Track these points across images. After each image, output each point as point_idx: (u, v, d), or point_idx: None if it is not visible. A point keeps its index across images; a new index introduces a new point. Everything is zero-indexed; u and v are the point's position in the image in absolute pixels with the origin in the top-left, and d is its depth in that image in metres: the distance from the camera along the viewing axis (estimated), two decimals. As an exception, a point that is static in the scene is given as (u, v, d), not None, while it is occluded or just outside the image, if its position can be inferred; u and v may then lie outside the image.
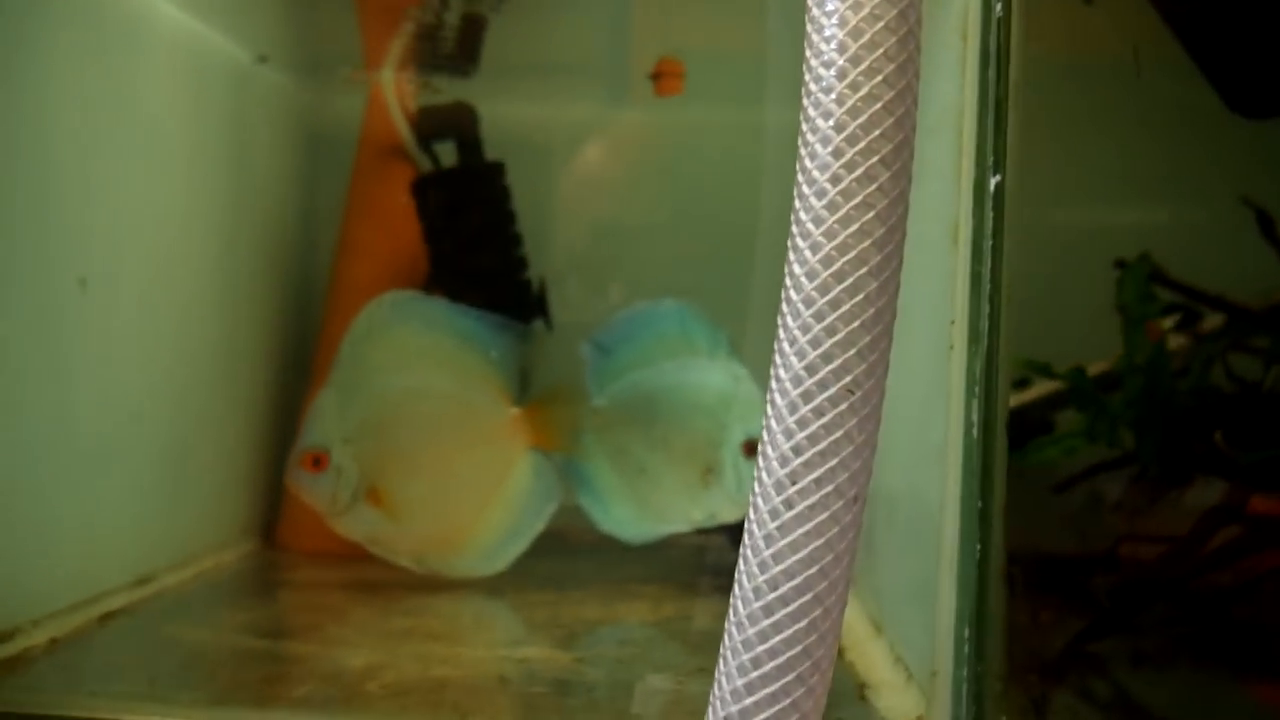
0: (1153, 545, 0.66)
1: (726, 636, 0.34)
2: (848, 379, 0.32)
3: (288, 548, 0.90)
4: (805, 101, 0.33)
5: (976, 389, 0.44)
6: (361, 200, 0.95)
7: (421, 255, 0.92)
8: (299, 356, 0.97)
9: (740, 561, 0.34)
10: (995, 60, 0.44)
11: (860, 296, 0.32)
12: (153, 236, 0.74)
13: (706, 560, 0.89)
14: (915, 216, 0.33)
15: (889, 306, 0.33)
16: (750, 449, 0.79)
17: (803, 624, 0.32)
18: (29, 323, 0.60)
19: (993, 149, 0.44)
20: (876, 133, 0.32)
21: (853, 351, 0.32)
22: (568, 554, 0.84)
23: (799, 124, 0.33)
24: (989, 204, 0.44)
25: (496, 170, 0.89)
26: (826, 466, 0.32)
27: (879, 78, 0.32)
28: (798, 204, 0.33)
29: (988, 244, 0.44)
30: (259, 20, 0.94)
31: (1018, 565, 0.46)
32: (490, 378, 0.78)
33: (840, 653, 0.61)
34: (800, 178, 0.33)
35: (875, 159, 0.32)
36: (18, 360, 0.59)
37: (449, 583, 0.76)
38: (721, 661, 0.34)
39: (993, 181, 0.44)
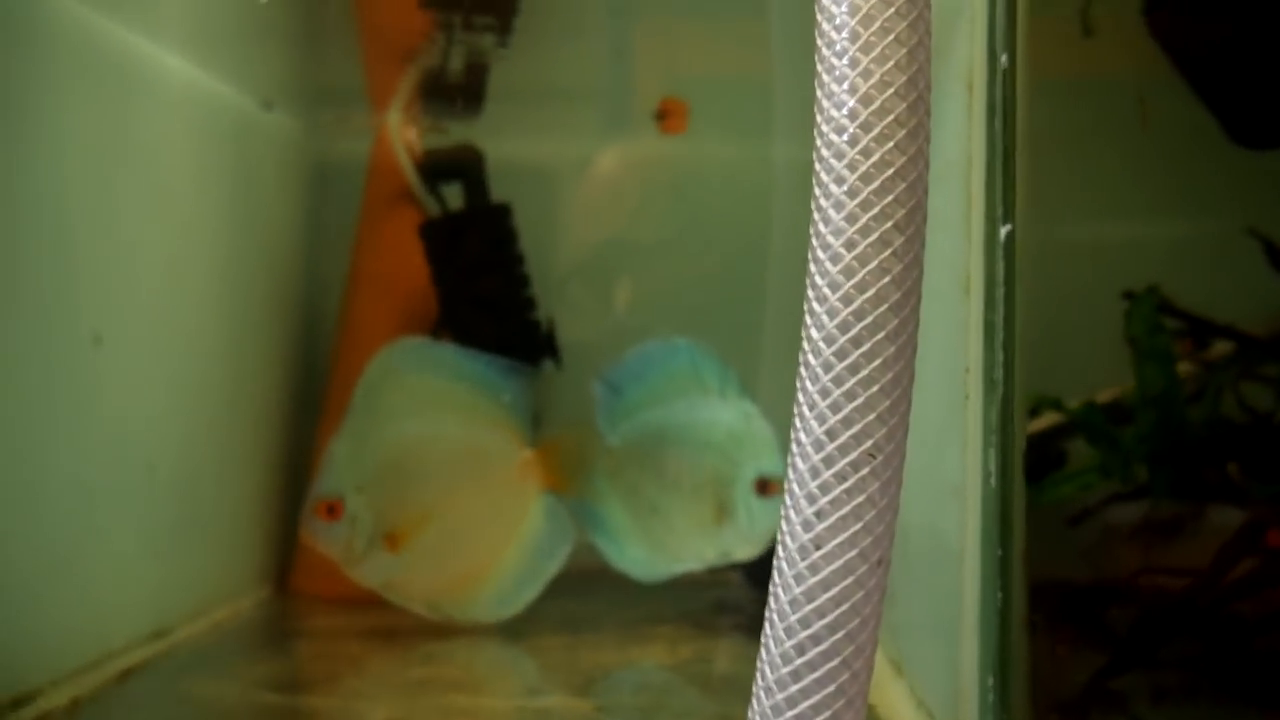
0: (1170, 577, 0.66)
1: (755, 701, 0.34)
2: (869, 443, 0.32)
3: (302, 594, 0.90)
4: (818, 167, 0.33)
5: (993, 437, 0.44)
6: (369, 243, 0.96)
7: (430, 297, 0.92)
8: (308, 401, 0.97)
9: (766, 626, 0.34)
10: (1001, 110, 0.44)
11: (878, 361, 0.32)
12: (164, 288, 0.75)
13: (720, 598, 0.90)
14: (926, 268, 0.34)
15: (907, 370, 0.33)
16: (763, 487, 0.79)
17: (830, 689, 0.32)
18: (44, 380, 0.61)
19: (1001, 199, 0.44)
20: (890, 198, 0.33)
21: (873, 416, 0.32)
22: (580, 594, 0.84)
23: (812, 189, 0.34)
24: (1000, 253, 0.44)
25: (503, 212, 0.89)
26: (850, 531, 0.32)
27: (890, 144, 0.33)
28: (812, 268, 0.33)
29: (1000, 292, 0.44)
30: (264, 67, 0.95)
31: (1038, 609, 0.46)
32: (502, 421, 0.78)
33: (860, 694, 0.61)
34: (814, 242, 0.33)
35: (889, 224, 0.32)
36: (33, 419, 0.60)
37: (464, 627, 0.76)
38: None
39: (1003, 231, 0.44)
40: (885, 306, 0.32)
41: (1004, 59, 0.44)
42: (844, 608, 0.32)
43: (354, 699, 0.60)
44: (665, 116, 0.89)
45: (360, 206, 0.96)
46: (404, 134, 0.93)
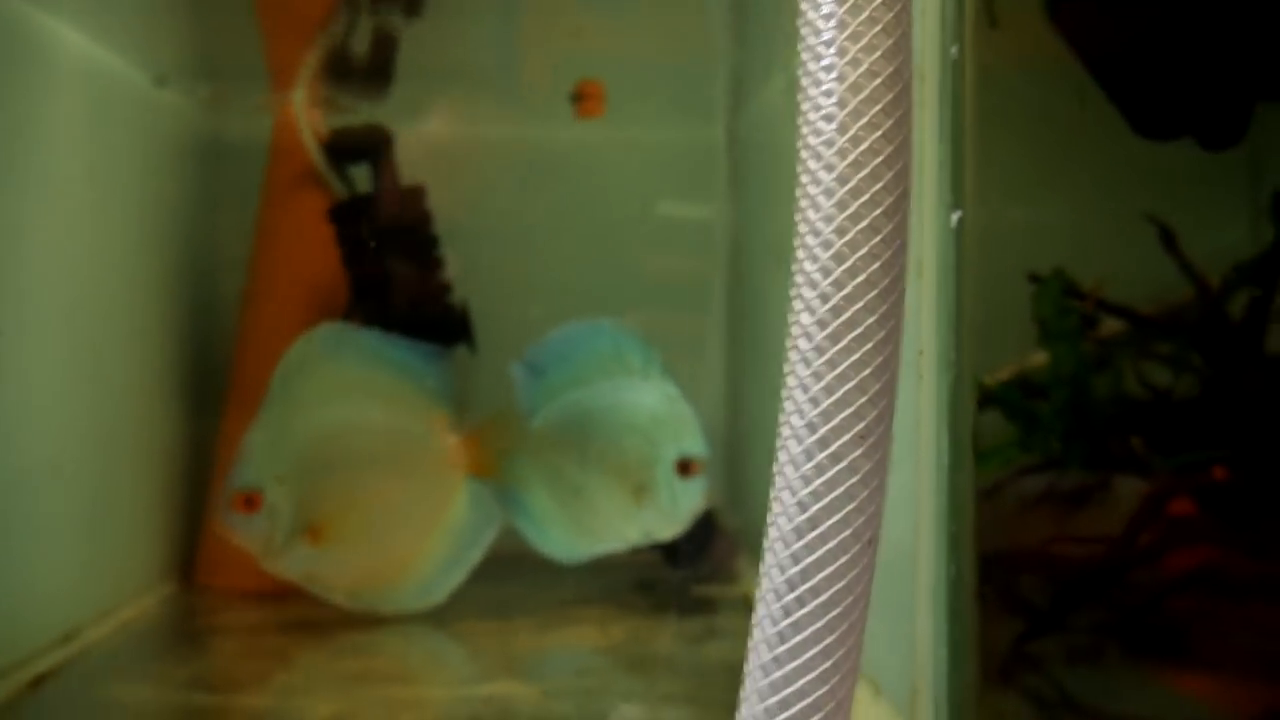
0: (1079, 545, 0.70)
1: (750, 680, 0.34)
2: (861, 425, 0.33)
3: (209, 588, 0.87)
4: (804, 154, 0.34)
5: (946, 417, 0.45)
6: (272, 227, 0.93)
7: (338, 282, 0.90)
8: (211, 390, 0.94)
9: (760, 606, 0.35)
10: (952, 99, 0.46)
11: (870, 345, 0.33)
12: (60, 277, 0.71)
13: (640, 578, 0.90)
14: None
15: (895, 353, 0.34)
16: (684, 467, 0.80)
17: (828, 664, 0.33)
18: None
19: (952, 185, 0.46)
20: (879, 185, 0.33)
21: (865, 398, 0.33)
22: (500, 579, 0.83)
23: (797, 175, 0.34)
24: (952, 238, 0.45)
25: (418, 194, 0.87)
26: (844, 511, 0.33)
27: (879, 132, 0.33)
28: (800, 254, 0.33)
29: (952, 277, 0.45)
30: (158, 41, 0.91)
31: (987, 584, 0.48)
32: (426, 407, 0.77)
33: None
34: (802, 228, 0.34)
35: (879, 210, 0.33)
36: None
37: (388, 618, 0.75)
38: (746, 704, 0.34)
39: (954, 216, 0.46)
40: (875, 291, 0.33)
41: (954, 50, 0.46)
42: (839, 585, 0.33)
43: (290, 696, 0.58)
44: (582, 99, 0.88)
45: (262, 189, 0.93)
46: (308, 113, 0.90)
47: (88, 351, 0.73)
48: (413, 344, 0.77)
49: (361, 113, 0.92)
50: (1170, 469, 0.67)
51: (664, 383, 0.82)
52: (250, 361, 0.91)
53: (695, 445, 0.80)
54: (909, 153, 0.34)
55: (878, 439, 0.33)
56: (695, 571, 0.92)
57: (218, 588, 0.86)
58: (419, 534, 0.76)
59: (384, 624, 0.74)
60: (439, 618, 0.75)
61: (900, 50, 0.34)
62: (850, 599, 0.34)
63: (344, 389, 0.74)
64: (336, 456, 0.74)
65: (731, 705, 0.55)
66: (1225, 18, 0.69)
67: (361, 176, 0.91)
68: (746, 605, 0.79)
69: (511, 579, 0.83)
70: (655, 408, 0.82)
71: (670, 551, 0.93)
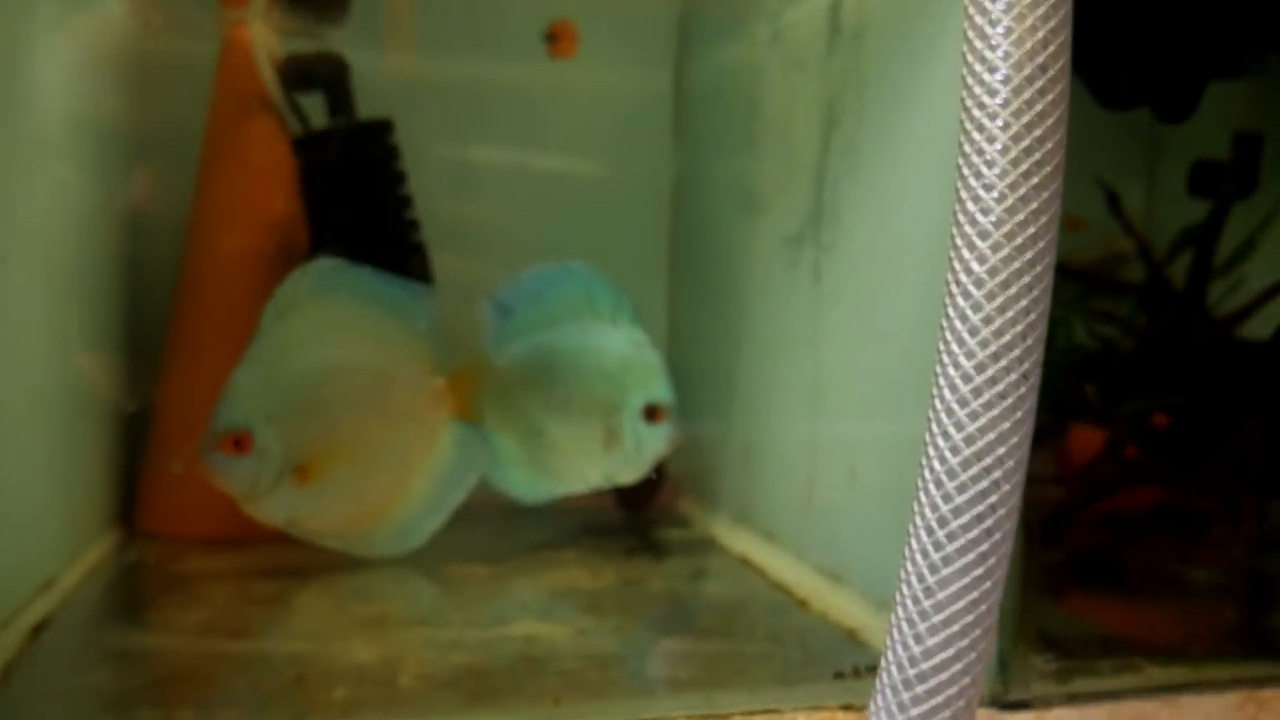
0: (1039, 484, 0.76)
1: (905, 586, 0.37)
2: (1024, 366, 0.36)
3: (152, 535, 0.83)
4: (969, 126, 0.36)
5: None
6: (219, 159, 0.88)
7: (292, 220, 0.86)
8: (148, 329, 0.89)
9: (894, 629, 0.37)
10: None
11: (1024, 285, 0.36)
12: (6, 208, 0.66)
13: (590, 521, 0.91)
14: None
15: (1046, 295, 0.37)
16: (650, 414, 0.82)
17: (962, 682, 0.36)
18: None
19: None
20: (1038, 154, 0.36)
21: (1030, 340, 0.36)
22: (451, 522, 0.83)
23: (960, 145, 0.36)
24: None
25: (385, 128, 0.85)
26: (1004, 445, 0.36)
27: (1039, 106, 0.36)
28: (965, 201, 0.36)
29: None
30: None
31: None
32: (416, 348, 0.76)
33: (804, 606, 0.66)
34: (965, 181, 0.36)
35: (1037, 179, 0.36)
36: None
37: (363, 562, 0.74)
38: (901, 608, 0.37)
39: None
40: (1033, 264, 0.36)
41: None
42: (971, 602, 0.36)
43: (321, 640, 0.57)
44: (555, 39, 0.87)
45: (206, 119, 0.88)
46: (263, 32, 0.86)
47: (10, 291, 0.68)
48: (404, 283, 0.76)
49: (315, 40, 0.89)
50: (1126, 415, 0.74)
51: (633, 328, 0.83)
52: (191, 305, 0.87)
53: (662, 391, 0.82)
54: (1065, 127, 0.37)
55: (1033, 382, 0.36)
56: (641, 515, 0.94)
57: (162, 535, 0.83)
58: (404, 476, 0.75)
59: (366, 567, 0.73)
60: (418, 562, 0.74)
61: (1062, 30, 0.37)
62: (977, 623, 0.36)
63: (337, 326, 0.72)
64: (328, 396, 0.72)
65: (765, 638, 0.58)
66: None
67: (313, 107, 0.88)
68: (714, 547, 0.82)
69: (461, 523, 0.82)
70: (624, 353, 0.83)
71: (625, 495, 0.95)
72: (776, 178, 0.80)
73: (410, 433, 0.76)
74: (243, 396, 0.70)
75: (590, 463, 0.83)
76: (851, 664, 0.54)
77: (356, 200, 0.84)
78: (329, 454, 0.72)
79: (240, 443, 0.69)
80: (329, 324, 0.72)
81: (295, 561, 0.76)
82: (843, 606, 0.64)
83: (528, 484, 0.83)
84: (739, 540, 0.82)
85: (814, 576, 0.69)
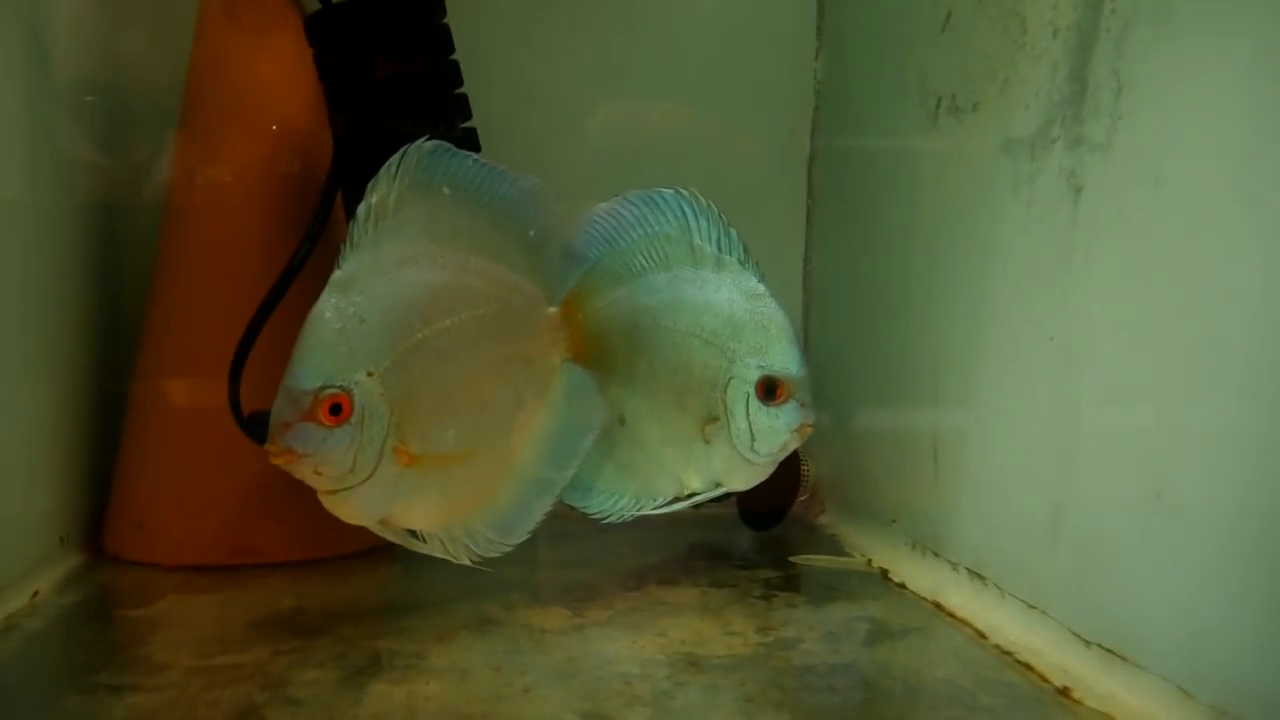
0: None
1: None
2: None
3: (121, 560, 0.62)
4: None
5: None
6: (207, 69, 0.63)
7: (313, 127, 0.62)
8: (119, 335, 0.67)
9: None
10: None
11: None
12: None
13: (700, 541, 0.69)
14: None
15: None
16: (769, 390, 0.57)
17: None
18: None
19: None
20: None
21: None
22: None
23: None
24: None
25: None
26: None
27: None
28: None
29: None
30: None
31: None
32: (530, 267, 0.53)
33: (1066, 697, 0.43)
34: None
35: None
36: None
37: (390, 602, 0.52)
38: None
39: None
40: None
41: None
42: None
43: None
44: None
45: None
46: None
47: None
48: (512, 177, 0.52)
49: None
50: None
51: (745, 274, 0.58)
52: (171, 283, 0.64)
53: (786, 360, 0.57)
54: None
55: None
56: (772, 531, 0.71)
57: (132, 560, 0.61)
58: (514, 445, 0.53)
59: (393, 611, 0.51)
60: (475, 593, 0.53)
61: None
62: None
63: (446, 237, 0.50)
64: (439, 340, 0.48)
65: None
66: None
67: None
68: (890, 586, 0.59)
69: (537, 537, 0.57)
70: (731, 309, 0.58)
71: (749, 505, 0.72)
72: (995, 51, 0.55)
73: (523, 384, 0.53)
74: (335, 339, 0.46)
75: (687, 461, 0.59)
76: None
77: (397, 83, 0.59)
78: (440, 420, 0.49)
79: (338, 407, 0.45)
80: (436, 233, 0.49)
81: (298, 602, 0.53)
82: (1133, 705, 0.41)
83: (607, 494, 0.59)
84: (927, 577, 0.58)
85: (1071, 646, 0.46)
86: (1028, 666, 0.46)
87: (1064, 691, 0.44)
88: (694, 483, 0.59)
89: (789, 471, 0.72)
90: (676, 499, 0.59)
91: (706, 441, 0.58)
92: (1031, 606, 0.50)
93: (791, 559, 0.64)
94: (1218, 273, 0.40)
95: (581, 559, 0.64)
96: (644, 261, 0.59)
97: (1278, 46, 0.37)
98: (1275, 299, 0.37)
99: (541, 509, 0.53)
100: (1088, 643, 0.46)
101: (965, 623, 0.52)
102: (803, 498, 0.75)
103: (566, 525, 0.58)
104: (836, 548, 0.67)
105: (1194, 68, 0.41)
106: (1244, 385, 0.38)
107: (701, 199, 0.58)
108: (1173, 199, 0.42)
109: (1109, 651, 0.44)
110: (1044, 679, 0.45)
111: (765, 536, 0.70)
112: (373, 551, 0.61)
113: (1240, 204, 0.39)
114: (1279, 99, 0.37)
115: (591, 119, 0.78)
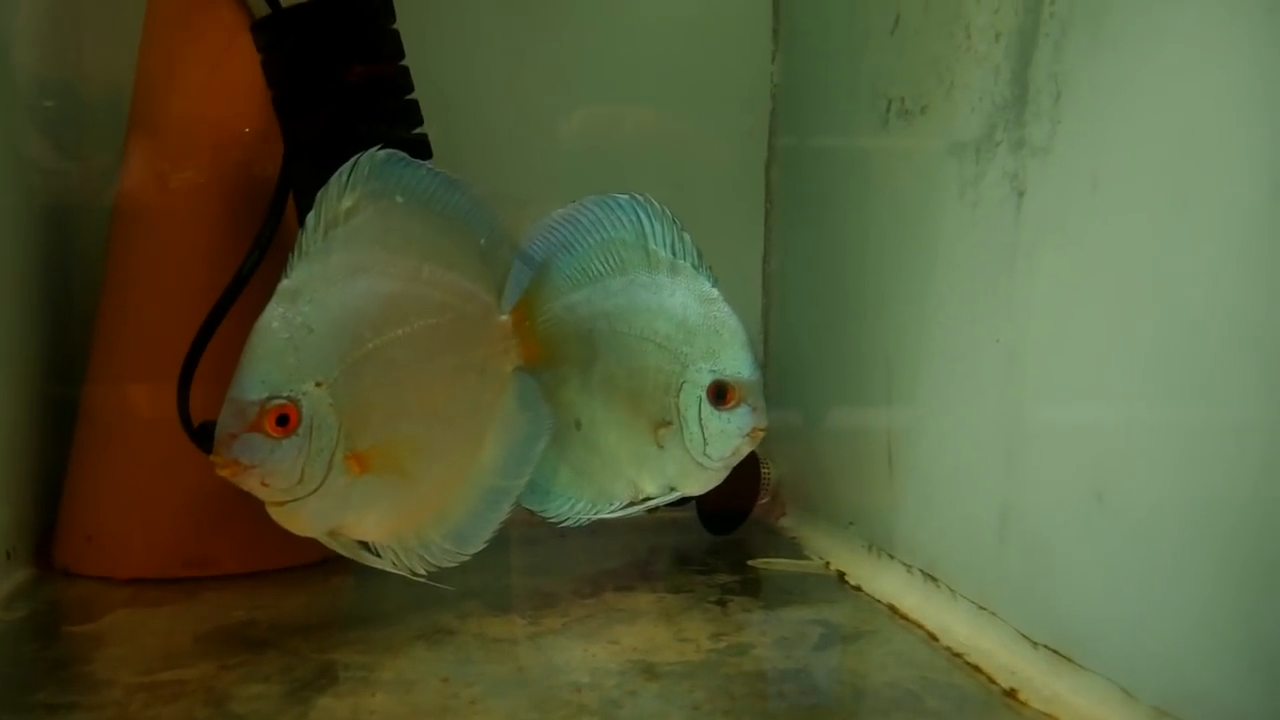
0: None
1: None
2: None
3: (72, 571, 0.61)
4: None
5: None
6: (156, 72, 0.63)
7: (263, 133, 0.61)
8: (70, 323, 0.66)
9: None
10: None
11: None
12: None
13: (676, 545, 0.69)
14: None
15: None
16: (719, 395, 0.57)
17: None
18: None
19: None
20: None
21: None
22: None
23: None
24: None
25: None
26: None
27: None
28: None
29: None
30: None
31: None
32: (480, 275, 0.53)
33: (1013, 699, 0.43)
34: None
35: None
36: None
37: (335, 617, 0.51)
38: None
39: None
40: None
41: None
42: None
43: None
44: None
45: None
46: None
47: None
48: (464, 186, 0.52)
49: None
50: None
51: (698, 279, 0.59)
52: (117, 301, 0.63)
53: (737, 364, 0.57)
54: None
55: None
56: (731, 536, 0.71)
57: (82, 574, 0.60)
58: (469, 453, 0.52)
59: (342, 624, 0.51)
60: (431, 604, 0.52)
61: None
62: None
63: (397, 245, 0.49)
64: (392, 348, 0.48)
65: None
66: None
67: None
68: (846, 589, 0.59)
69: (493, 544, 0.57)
70: (684, 312, 0.58)
71: (708, 509, 0.72)
72: (940, 55, 0.55)
73: (476, 392, 0.53)
74: (283, 349, 0.46)
75: (641, 466, 0.59)
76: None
77: (344, 79, 0.58)
78: (393, 428, 0.48)
79: (286, 418, 0.45)
80: (387, 241, 0.49)
81: (249, 614, 0.53)
82: (1077, 705, 0.41)
83: (564, 498, 0.59)
84: (882, 580, 0.59)
85: (1018, 648, 0.46)
86: (976, 668, 0.47)
87: (1011, 693, 0.44)
88: (649, 487, 0.59)
89: (749, 474, 0.73)
90: (632, 503, 0.59)
91: (660, 446, 0.58)
92: (981, 608, 0.50)
93: (750, 563, 0.65)
94: (1154, 274, 0.40)
95: (540, 565, 0.64)
96: (600, 266, 0.59)
97: (1207, 50, 0.38)
98: (1211, 301, 0.37)
99: (497, 518, 0.53)
100: (1035, 644, 0.46)
101: (918, 625, 0.53)
102: (763, 500, 0.75)
103: (530, 531, 0.58)
104: (796, 550, 0.68)
105: (1127, 71, 0.41)
106: (1181, 386, 0.39)
107: (656, 204, 0.58)
108: (1109, 202, 0.42)
109: (1055, 653, 0.45)
110: (992, 681, 0.45)
111: (725, 540, 0.70)
112: (328, 561, 0.60)
113: (1174, 206, 0.39)
114: (1207, 102, 0.37)
115: (548, 123, 0.78)
